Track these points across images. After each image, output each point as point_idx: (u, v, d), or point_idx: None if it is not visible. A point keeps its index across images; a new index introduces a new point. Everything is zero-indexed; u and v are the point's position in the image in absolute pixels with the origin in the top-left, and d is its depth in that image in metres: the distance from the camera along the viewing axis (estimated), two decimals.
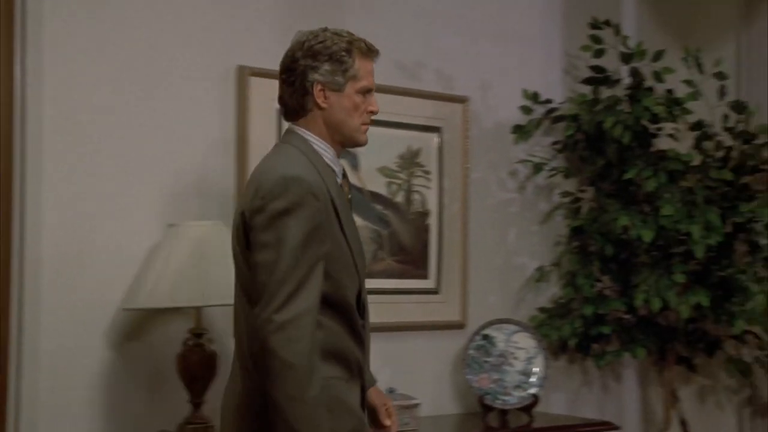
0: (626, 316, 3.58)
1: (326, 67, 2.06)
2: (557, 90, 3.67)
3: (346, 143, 2.14)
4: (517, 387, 3.36)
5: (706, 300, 3.30)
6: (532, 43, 3.67)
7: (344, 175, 2.20)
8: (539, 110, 3.58)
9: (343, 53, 2.07)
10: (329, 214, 2.02)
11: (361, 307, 2.14)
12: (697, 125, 3.51)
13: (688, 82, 3.43)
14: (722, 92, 3.47)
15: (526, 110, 3.55)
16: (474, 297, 3.51)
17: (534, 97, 3.56)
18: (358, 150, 3.30)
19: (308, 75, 2.06)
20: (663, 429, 3.64)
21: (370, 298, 3.18)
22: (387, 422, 2.22)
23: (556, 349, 3.58)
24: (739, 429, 3.83)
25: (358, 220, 3.30)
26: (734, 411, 3.85)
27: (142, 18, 2.85)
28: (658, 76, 3.45)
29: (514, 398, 3.34)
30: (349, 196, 2.25)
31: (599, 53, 3.52)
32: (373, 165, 3.34)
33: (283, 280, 1.92)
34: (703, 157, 3.49)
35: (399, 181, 3.40)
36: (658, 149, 3.52)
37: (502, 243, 3.58)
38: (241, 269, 2.05)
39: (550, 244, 3.65)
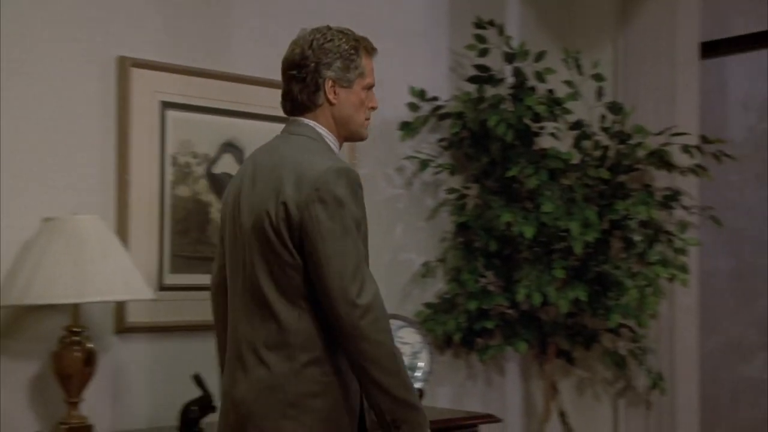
0: (509, 311, 3.66)
1: (338, 64, 2.15)
2: (444, 88, 3.72)
3: (349, 137, 2.24)
4: None
5: (584, 295, 3.40)
6: (419, 41, 3.71)
7: None
8: (426, 107, 3.61)
9: (352, 51, 2.17)
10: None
11: None
12: (577, 125, 3.62)
13: (568, 83, 3.54)
14: (600, 93, 3.59)
15: (413, 107, 3.59)
16: None
17: (421, 94, 3.59)
18: (245, 144, 3.27)
19: (321, 72, 2.14)
20: (543, 421, 3.73)
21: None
22: None
23: (441, 343, 3.62)
24: (615, 419, 3.96)
25: None
26: (610, 402, 3.98)
27: (19, 6, 2.75)
28: (539, 77, 3.55)
29: None
30: None
31: (484, 52, 3.58)
32: None
33: (356, 266, 2.03)
34: (582, 156, 3.61)
35: None
36: (540, 147, 3.62)
37: (389, 239, 3.61)
38: (279, 260, 2.06)
39: (437, 240, 3.70)
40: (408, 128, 3.54)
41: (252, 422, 2.09)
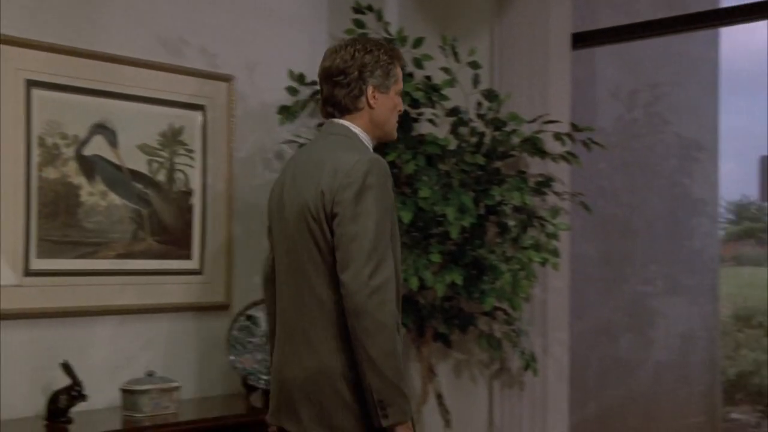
0: None
1: (378, 72, 2.39)
2: None
3: (382, 137, 2.47)
4: None
5: (459, 279, 3.46)
6: (299, 24, 3.69)
7: None
8: (305, 91, 3.60)
9: (390, 61, 2.42)
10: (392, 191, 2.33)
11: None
12: (453, 111, 3.67)
13: (446, 70, 3.59)
14: (476, 81, 3.65)
15: (292, 91, 3.57)
16: (239, 278, 3.49)
17: (300, 78, 3.58)
18: (117, 126, 3.19)
19: (365, 79, 2.38)
20: (421, 403, 3.79)
21: (130, 279, 3.12)
22: None
23: None
24: (490, 400, 4.05)
25: (117, 199, 3.19)
26: (486, 383, 4.07)
27: None
28: (417, 63, 3.58)
29: None
30: None
31: None
32: (132, 142, 3.23)
33: (374, 249, 2.19)
34: (459, 142, 3.66)
35: (161, 160, 3.32)
36: (418, 133, 3.66)
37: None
38: (318, 244, 2.27)
39: None
40: (287, 112, 3.52)
41: (300, 401, 2.30)
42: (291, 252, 2.34)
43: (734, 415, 6.40)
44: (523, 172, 3.74)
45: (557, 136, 3.61)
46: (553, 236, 3.64)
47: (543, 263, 3.60)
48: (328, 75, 2.40)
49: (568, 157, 3.63)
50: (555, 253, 3.61)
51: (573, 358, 3.96)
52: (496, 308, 3.72)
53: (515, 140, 3.63)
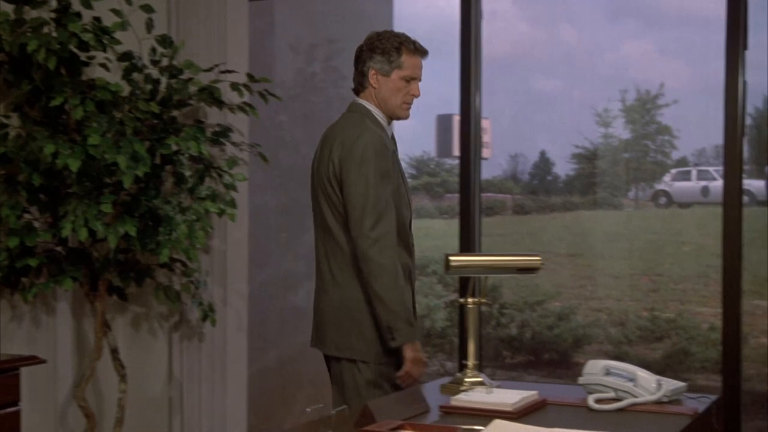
0: (58, 248, 3.51)
1: (378, 57, 2.92)
2: None
3: (390, 115, 2.96)
4: None
5: (133, 230, 3.37)
6: None
7: (392, 136, 2.98)
8: None
9: (393, 50, 2.91)
10: (394, 160, 2.87)
11: (411, 230, 2.99)
12: (126, 56, 3.53)
13: (116, 12, 3.43)
14: (150, 25, 3.54)
15: None
16: None
17: None
18: None
19: (367, 62, 2.94)
20: (94, 359, 3.66)
21: None
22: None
23: None
24: (170, 352, 4.01)
25: None
26: (165, 336, 4.03)
27: None
28: (85, 2, 3.39)
29: None
30: (394, 149, 2.97)
31: None
32: None
33: (373, 207, 2.77)
34: (133, 89, 3.54)
35: None
36: (89, 78, 3.48)
37: None
38: (334, 202, 2.87)
39: None
40: None
41: (327, 326, 2.91)
42: (317, 210, 2.94)
43: None
44: (201, 122, 3.70)
45: (234, 87, 3.60)
46: (230, 187, 3.64)
47: (220, 214, 3.60)
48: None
49: (246, 108, 3.64)
50: (232, 204, 3.62)
51: (254, 308, 4.03)
52: (174, 260, 3.68)
53: (192, 89, 3.57)
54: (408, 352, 2.84)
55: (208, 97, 3.57)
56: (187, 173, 3.60)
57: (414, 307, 2.99)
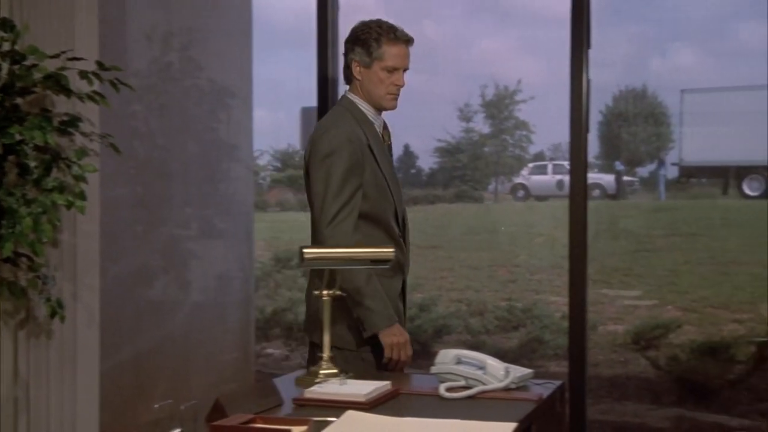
0: None
1: (358, 49, 2.88)
2: None
3: (376, 106, 2.94)
4: None
5: None
6: None
7: (385, 127, 3.00)
8: None
9: (373, 41, 2.86)
10: (365, 153, 2.85)
11: (400, 222, 2.98)
12: None
13: None
14: None
15: None
16: None
17: None
18: None
19: (349, 54, 2.92)
20: None
21: None
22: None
23: None
24: (15, 350, 3.83)
25: None
26: (11, 334, 3.85)
27: None
28: None
29: None
30: (389, 142, 3.03)
31: None
32: None
33: (331, 204, 2.79)
34: None
35: None
36: None
37: None
38: (309, 194, 2.89)
39: None
40: None
41: (315, 320, 2.88)
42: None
43: (269, 350, 6.84)
44: (48, 111, 3.55)
45: (83, 75, 3.47)
46: (80, 178, 3.51)
47: (69, 206, 3.47)
48: None
49: (95, 97, 3.51)
50: (81, 196, 3.49)
51: (108, 303, 3.90)
52: (18, 254, 3.52)
53: (37, 76, 3.42)
54: (383, 338, 2.85)
55: (54, 84, 3.42)
56: (32, 164, 3.44)
57: (404, 299, 3.03)
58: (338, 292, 2.70)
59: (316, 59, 3.93)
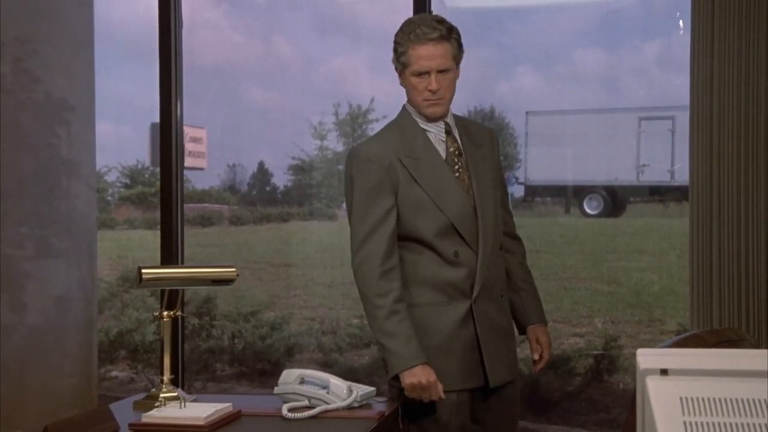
0: None
1: (393, 55, 2.60)
2: None
3: (421, 114, 2.64)
4: None
5: None
6: None
7: (448, 132, 2.66)
8: None
9: (399, 44, 2.57)
10: (393, 172, 2.56)
11: (466, 236, 2.59)
12: None
13: None
14: None
15: None
16: None
17: None
18: None
19: (394, 61, 2.62)
20: None
21: None
22: (535, 356, 2.81)
23: None
24: None
25: None
26: None
27: None
28: None
29: None
30: (452, 149, 2.64)
31: None
32: None
33: (356, 232, 2.57)
34: None
35: None
36: None
37: None
38: None
39: None
40: None
41: None
42: None
43: (114, 373, 6.60)
44: None
45: None
46: None
47: None
48: None
49: None
50: None
51: None
52: None
53: None
54: (402, 380, 2.53)
55: None
56: None
57: (478, 322, 2.64)
58: (179, 313, 2.63)
59: (159, 74, 3.84)
